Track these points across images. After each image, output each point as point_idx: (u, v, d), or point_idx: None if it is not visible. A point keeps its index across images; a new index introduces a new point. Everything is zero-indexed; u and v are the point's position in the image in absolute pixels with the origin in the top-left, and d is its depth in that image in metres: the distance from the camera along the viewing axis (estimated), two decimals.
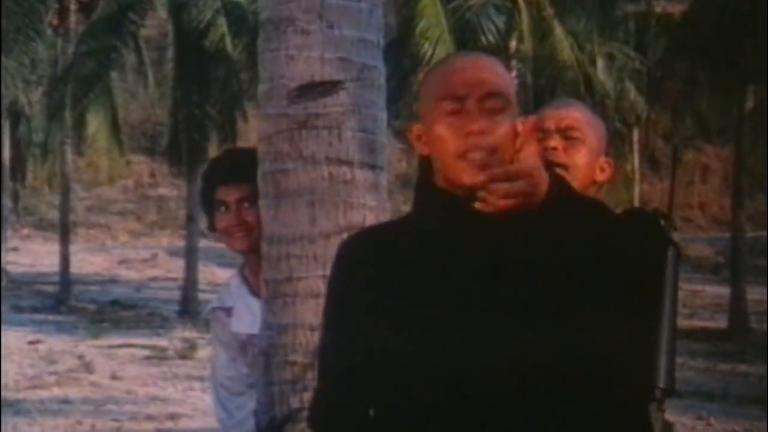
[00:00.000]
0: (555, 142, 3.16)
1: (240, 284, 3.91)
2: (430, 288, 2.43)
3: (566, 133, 3.18)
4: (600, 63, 25.82)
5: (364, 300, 2.49)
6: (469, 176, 2.42)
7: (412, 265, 2.46)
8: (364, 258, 2.53)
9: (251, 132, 26.73)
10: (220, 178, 3.81)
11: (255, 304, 3.84)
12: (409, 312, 2.43)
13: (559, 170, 2.88)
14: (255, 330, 3.81)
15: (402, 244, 2.50)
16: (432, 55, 23.03)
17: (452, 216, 2.46)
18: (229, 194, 3.78)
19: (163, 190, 42.08)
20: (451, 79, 2.46)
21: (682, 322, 24.76)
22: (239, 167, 3.80)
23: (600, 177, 3.21)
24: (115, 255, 35.77)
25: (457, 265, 2.43)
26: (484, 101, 2.43)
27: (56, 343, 19.80)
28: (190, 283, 26.42)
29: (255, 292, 3.85)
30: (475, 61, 2.51)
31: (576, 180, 3.01)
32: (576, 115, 3.23)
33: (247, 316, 3.86)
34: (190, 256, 26.73)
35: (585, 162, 3.17)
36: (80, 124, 26.18)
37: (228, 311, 3.91)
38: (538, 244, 2.42)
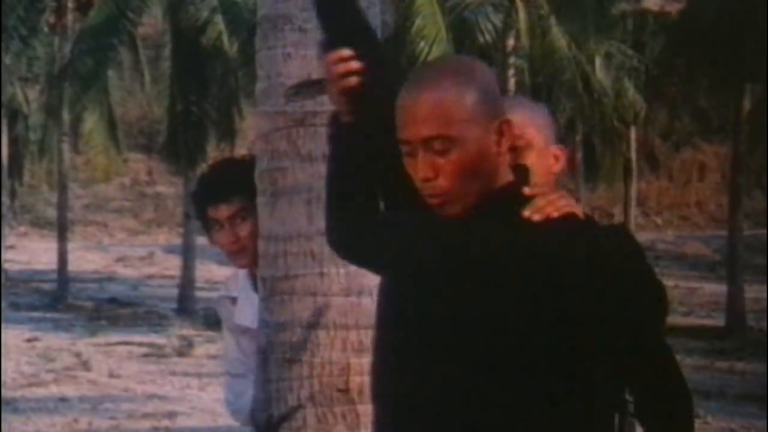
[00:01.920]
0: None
1: (246, 277, 3.95)
2: (400, 281, 2.52)
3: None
4: (598, 61, 25.77)
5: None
6: (434, 210, 2.47)
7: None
8: None
9: (249, 130, 26.75)
10: (208, 198, 3.82)
11: (257, 300, 3.89)
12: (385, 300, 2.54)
13: None
14: (254, 324, 3.86)
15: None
16: (428, 53, 22.98)
17: (426, 216, 2.51)
18: (220, 212, 3.79)
19: (160, 188, 42.01)
20: (401, 119, 2.46)
21: (679, 320, 24.73)
22: (226, 184, 3.82)
23: (555, 167, 3.13)
24: (113, 253, 35.72)
25: (427, 262, 2.48)
26: (428, 144, 2.41)
27: (53, 340, 19.77)
28: (187, 281, 26.36)
29: (256, 288, 3.90)
30: (417, 95, 2.43)
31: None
32: (513, 120, 3.06)
33: (249, 309, 3.89)
34: (188, 253, 26.68)
35: (535, 162, 3.04)
36: (77, 122, 26.14)
37: (233, 300, 3.96)
38: (498, 245, 2.44)
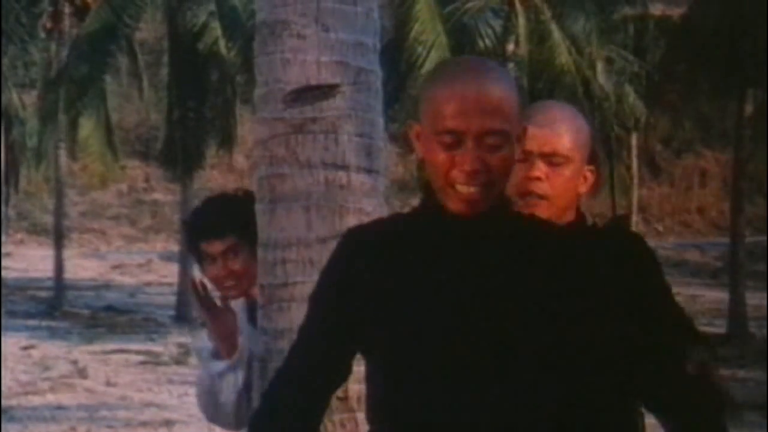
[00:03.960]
0: (538, 171, 2.91)
1: (243, 306, 3.94)
2: (415, 288, 2.46)
3: (550, 159, 2.93)
4: (598, 66, 25.78)
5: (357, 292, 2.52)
6: (454, 204, 2.42)
7: (403, 264, 2.49)
8: (364, 250, 2.55)
9: (247, 136, 26.70)
10: (200, 234, 3.87)
11: (245, 329, 3.87)
12: (394, 310, 2.46)
13: (538, 200, 2.89)
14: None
15: (399, 241, 2.52)
16: (426, 59, 23.01)
17: (438, 222, 2.48)
18: (213, 247, 3.83)
19: (157, 195, 42.15)
20: (450, 108, 2.39)
21: None
22: (219, 221, 3.85)
23: (582, 189, 3.00)
24: (110, 260, 35.79)
25: (440, 272, 2.45)
26: (482, 139, 2.38)
27: (50, 348, 19.85)
28: (185, 288, 25.96)
29: (252, 320, 3.88)
30: (478, 86, 2.40)
31: (556, 206, 2.91)
32: (562, 137, 2.94)
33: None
34: (185, 261, 26.49)
35: (569, 186, 2.95)
36: (74, 128, 26.15)
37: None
38: (522, 254, 2.46)
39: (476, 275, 2.42)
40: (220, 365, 3.82)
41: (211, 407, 3.87)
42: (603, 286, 2.45)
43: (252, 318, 3.90)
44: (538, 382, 2.39)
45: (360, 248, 2.54)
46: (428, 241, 2.47)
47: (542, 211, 2.81)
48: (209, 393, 3.84)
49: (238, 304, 3.96)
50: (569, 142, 2.94)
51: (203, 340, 3.96)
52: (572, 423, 2.42)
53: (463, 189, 2.39)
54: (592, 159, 3.02)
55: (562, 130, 2.95)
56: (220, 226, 3.82)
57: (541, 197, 2.91)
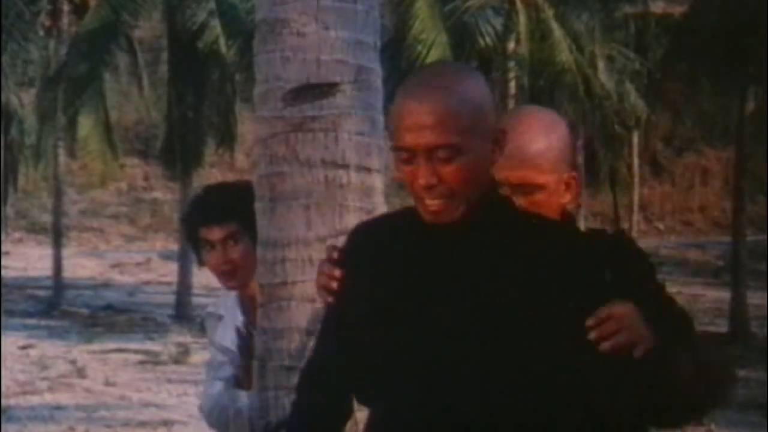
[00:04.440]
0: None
1: (235, 298, 3.99)
2: (397, 290, 2.52)
3: (523, 189, 2.78)
4: (600, 65, 25.79)
5: (352, 296, 2.60)
6: (424, 215, 2.48)
7: (390, 265, 2.55)
8: (360, 250, 2.63)
9: (247, 134, 26.67)
10: (201, 220, 3.89)
11: (240, 323, 3.95)
12: (380, 312, 2.53)
13: None
14: (233, 346, 3.94)
15: (390, 241, 2.58)
16: (426, 57, 23.04)
17: (419, 226, 2.52)
18: (212, 234, 3.86)
19: (157, 194, 42.29)
20: (401, 126, 2.45)
21: None
22: (220, 207, 3.88)
23: (566, 198, 2.87)
24: (109, 259, 35.78)
25: (416, 275, 2.51)
26: (432, 153, 2.42)
27: (48, 348, 19.82)
28: (184, 288, 26.38)
29: (247, 314, 3.92)
30: (425, 101, 2.42)
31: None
32: (534, 161, 2.79)
33: (231, 331, 3.95)
34: (184, 259, 26.59)
35: (549, 203, 2.82)
36: (73, 126, 26.16)
37: (219, 318, 4.03)
38: (494, 257, 2.48)
39: (447, 280, 2.46)
40: (243, 399, 3.87)
41: (225, 426, 3.90)
42: (578, 288, 2.44)
43: (244, 309, 3.94)
44: (512, 384, 2.40)
45: (358, 246, 2.63)
46: (411, 243, 2.53)
47: None
48: (225, 414, 3.88)
49: (231, 295, 4.00)
50: (543, 162, 2.81)
51: (223, 348, 3.98)
52: (552, 422, 2.42)
53: (427, 201, 2.45)
54: (573, 165, 2.89)
55: (534, 153, 2.80)
56: (221, 212, 3.84)
57: None
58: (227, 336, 3.97)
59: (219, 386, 3.93)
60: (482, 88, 2.48)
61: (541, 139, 2.80)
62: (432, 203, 2.44)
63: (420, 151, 2.41)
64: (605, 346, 2.40)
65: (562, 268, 2.43)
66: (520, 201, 2.72)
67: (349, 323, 2.57)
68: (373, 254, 2.59)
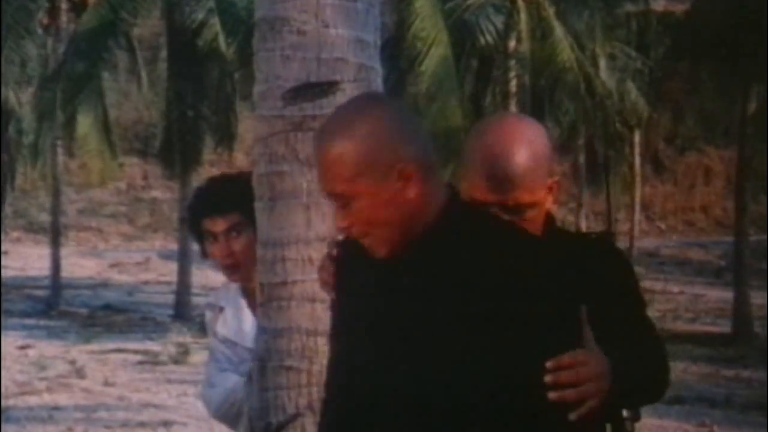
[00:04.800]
0: None
1: (237, 290, 4.01)
2: (355, 313, 2.59)
3: (518, 210, 2.76)
4: (601, 63, 25.79)
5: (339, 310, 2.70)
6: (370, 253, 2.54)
7: (353, 289, 2.61)
8: (343, 263, 2.70)
9: (247, 133, 26.63)
10: (204, 210, 3.92)
11: (247, 318, 3.95)
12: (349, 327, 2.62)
13: None
14: (235, 337, 3.96)
15: (357, 264, 2.61)
16: (426, 55, 23.05)
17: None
18: (215, 225, 3.90)
19: (156, 193, 42.42)
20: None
21: (684, 327, 24.77)
22: (224, 198, 3.91)
23: (549, 204, 2.84)
24: (107, 258, 35.82)
25: (367, 302, 2.56)
26: (333, 198, 2.51)
27: (47, 348, 19.79)
28: (183, 287, 26.39)
29: (252, 306, 3.92)
30: (325, 152, 2.49)
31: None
32: (525, 182, 2.75)
33: (232, 322, 3.98)
34: (184, 259, 26.73)
35: (540, 215, 2.81)
36: (71, 124, 26.17)
37: (220, 309, 4.03)
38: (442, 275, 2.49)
39: (386, 312, 2.51)
40: None
41: (235, 420, 3.92)
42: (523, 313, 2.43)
43: (247, 301, 3.96)
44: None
45: (340, 261, 2.70)
46: (366, 272, 2.58)
47: None
48: (238, 409, 3.88)
49: (232, 286, 4.02)
50: (534, 187, 2.77)
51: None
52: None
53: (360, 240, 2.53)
54: (552, 171, 2.83)
55: (524, 178, 2.75)
56: (223, 203, 3.87)
57: None
58: (229, 326, 3.98)
59: (234, 379, 3.91)
60: (376, 128, 2.46)
61: (528, 155, 2.74)
62: (363, 242, 2.51)
63: (326, 194, 2.52)
64: (553, 396, 2.38)
65: (505, 293, 2.42)
66: (514, 220, 2.70)
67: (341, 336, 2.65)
68: (347, 273, 2.65)
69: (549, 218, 2.86)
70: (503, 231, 2.54)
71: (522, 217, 2.74)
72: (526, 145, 2.74)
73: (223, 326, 3.99)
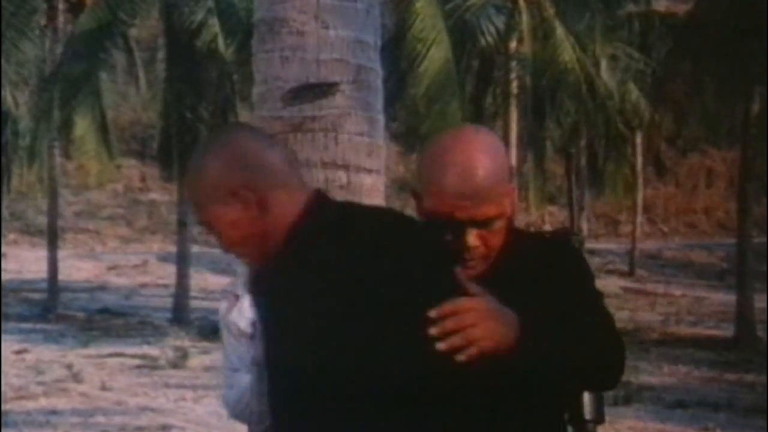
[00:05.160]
0: (473, 239, 2.78)
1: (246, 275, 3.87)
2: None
3: (486, 223, 2.78)
4: (603, 64, 25.75)
5: None
6: None
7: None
8: None
9: None
10: None
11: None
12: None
13: (480, 260, 2.81)
14: (248, 329, 3.82)
15: None
16: (426, 56, 23.06)
17: None
18: None
19: (153, 195, 42.52)
20: None
21: (687, 331, 24.71)
22: None
23: (508, 211, 2.85)
24: (105, 261, 35.84)
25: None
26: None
27: (44, 352, 19.79)
28: (181, 290, 26.36)
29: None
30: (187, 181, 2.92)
31: (496, 251, 2.86)
32: (490, 194, 2.75)
33: (247, 313, 3.79)
34: (182, 262, 26.75)
35: (505, 225, 2.84)
36: (68, 126, 26.19)
37: (236, 297, 3.87)
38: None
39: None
40: None
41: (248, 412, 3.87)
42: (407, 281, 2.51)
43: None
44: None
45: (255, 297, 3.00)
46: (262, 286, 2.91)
47: (482, 263, 2.79)
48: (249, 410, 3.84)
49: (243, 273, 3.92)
50: (499, 198, 2.78)
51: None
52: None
53: None
54: (510, 176, 2.87)
55: (489, 191, 2.76)
56: None
57: (483, 257, 2.81)
58: (243, 317, 3.83)
59: (247, 379, 3.81)
60: (217, 161, 2.68)
61: (493, 167, 2.76)
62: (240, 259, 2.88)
63: None
64: (440, 346, 2.40)
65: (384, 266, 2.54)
66: (482, 234, 2.76)
67: None
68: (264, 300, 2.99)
69: (509, 222, 2.89)
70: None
71: (491, 229, 2.77)
72: (489, 157, 2.75)
73: (240, 316, 3.83)
